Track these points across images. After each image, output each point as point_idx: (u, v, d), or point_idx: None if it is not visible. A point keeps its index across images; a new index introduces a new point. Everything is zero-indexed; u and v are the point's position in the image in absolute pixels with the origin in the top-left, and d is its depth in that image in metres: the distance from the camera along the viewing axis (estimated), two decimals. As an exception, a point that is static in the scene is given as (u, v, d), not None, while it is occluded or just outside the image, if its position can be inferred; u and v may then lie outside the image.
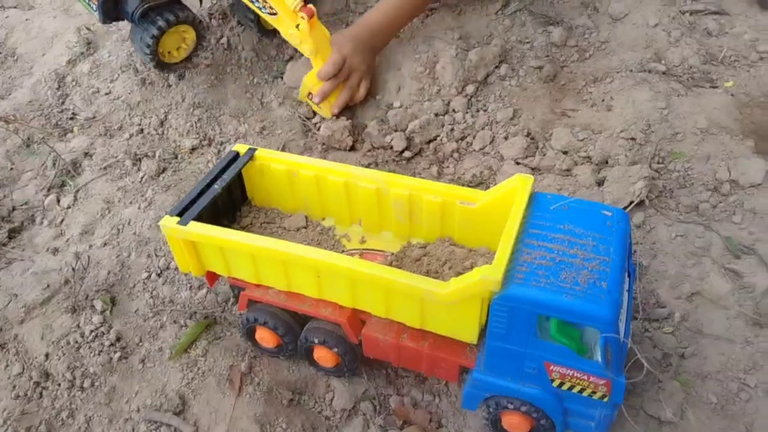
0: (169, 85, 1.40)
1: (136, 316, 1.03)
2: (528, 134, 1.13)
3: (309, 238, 0.94)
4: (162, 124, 1.35)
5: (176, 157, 1.28)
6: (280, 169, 0.93)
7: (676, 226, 0.94)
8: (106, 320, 1.02)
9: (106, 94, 1.44)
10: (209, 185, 0.89)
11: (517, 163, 1.08)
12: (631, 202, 0.96)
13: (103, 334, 1.00)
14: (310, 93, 1.24)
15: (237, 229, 0.95)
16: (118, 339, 0.99)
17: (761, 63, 1.17)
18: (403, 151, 1.21)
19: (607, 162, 1.03)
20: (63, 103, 1.46)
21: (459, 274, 0.82)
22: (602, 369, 0.65)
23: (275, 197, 0.97)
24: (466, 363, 0.76)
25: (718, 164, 0.99)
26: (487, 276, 0.64)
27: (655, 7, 1.24)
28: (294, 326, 0.87)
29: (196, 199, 0.87)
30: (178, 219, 0.83)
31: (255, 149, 0.94)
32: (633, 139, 1.04)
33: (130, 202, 1.20)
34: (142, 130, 1.34)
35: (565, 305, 0.62)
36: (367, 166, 1.19)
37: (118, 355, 0.97)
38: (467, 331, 0.72)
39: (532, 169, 1.07)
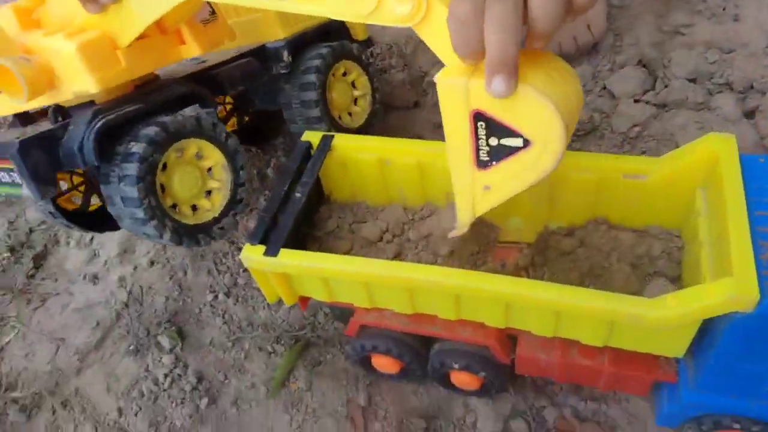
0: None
1: (212, 348, 0.87)
2: (640, 62, 0.92)
3: (415, 235, 0.76)
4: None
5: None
6: (369, 159, 0.74)
7: None
8: (179, 359, 0.86)
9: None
10: (287, 193, 0.71)
11: (637, 101, 0.89)
12: (801, 139, 0.78)
13: (180, 377, 0.84)
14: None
15: (321, 236, 0.78)
16: (199, 380, 0.84)
17: None
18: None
19: (752, 87, 0.84)
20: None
21: (633, 266, 0.65)
22: None
23: (361, 190, 0.79)
24: (663, 378, 0.61)
25: None
26: (738, 295, 0.47)
27: None
28: (420, 350, 0.72)
29: (275, 215, 0.68)
30: (263, 248, 0.64)
31: (331, 136, 0.75)
32: (785, 54, 0.85)
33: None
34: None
35: None
36: (439, 126, 1.00)
37: (205, 401, 0.82)
38: (675, 347, 0.56)
39: (657, 106, 0.88)
